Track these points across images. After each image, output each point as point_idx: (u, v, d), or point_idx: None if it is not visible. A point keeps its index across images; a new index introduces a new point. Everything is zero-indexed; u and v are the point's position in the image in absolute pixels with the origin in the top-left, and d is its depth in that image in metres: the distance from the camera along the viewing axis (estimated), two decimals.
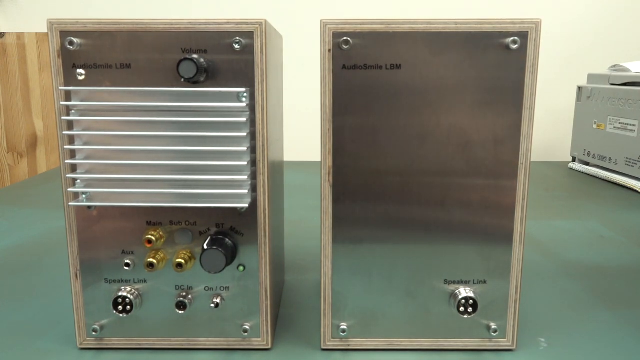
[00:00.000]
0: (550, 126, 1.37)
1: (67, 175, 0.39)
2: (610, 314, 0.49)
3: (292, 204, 0.79)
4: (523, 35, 0.37)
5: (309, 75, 1.28)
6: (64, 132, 0.38)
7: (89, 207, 0.40)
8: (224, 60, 0.37)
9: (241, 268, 0.41)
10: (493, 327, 0.42)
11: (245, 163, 0.38)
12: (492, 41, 0.37)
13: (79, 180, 0.39)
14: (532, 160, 0.39)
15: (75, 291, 0.42)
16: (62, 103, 0.38)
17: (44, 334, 0.45)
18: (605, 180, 1.04)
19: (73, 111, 0.38)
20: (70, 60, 0.38)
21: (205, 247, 0.39)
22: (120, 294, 0.41)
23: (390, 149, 0.39)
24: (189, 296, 0.41)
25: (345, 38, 0.37)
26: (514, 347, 0.43)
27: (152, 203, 0.39)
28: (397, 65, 0.38)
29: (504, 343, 0.42)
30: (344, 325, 0.42)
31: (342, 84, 0.38)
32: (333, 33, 0.37)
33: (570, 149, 1.19)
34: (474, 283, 0.41)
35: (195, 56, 0.37)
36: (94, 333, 0.42)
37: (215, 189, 0.39)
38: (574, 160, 1.18)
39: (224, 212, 0.40)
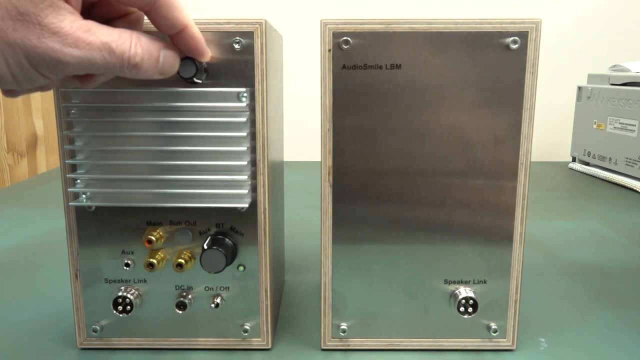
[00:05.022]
0: (550, 126, 1.37)
1: (67, 175, 0.39)
2: (610, 314, 0.49)
3: (292, 204, 0.79)
4: (523, 35, 0.37)
5: (309, 75, 1.28)
6: (64, 132, 0.38)
7: (89, 207, 0.40)
8: (224, 60, 0.37)
9: (241, 268, 0.41)
10: (493, 327, 0.42)
11: (245, 163, 0.38)
12: (492, 41, 0.37)
13: (79, 180, 0.39)
14: (532, 160, 0.39)
15: (75, 291, 0.42)
16: (62, 104, 0.38)
17: (44, 334, 0.45)
18: (605, 180, 1.04)
19: (73, 111, 0.38)
20: None
21: (205, 247, 0.39)
22: (120, 294, 0.41)
23: (390, 149, 0.39)
24: (189, 296, 0.41)
25: (345, 38, 0.37)
26: (514, 347, 0.42)
27: (152, 203, 0.39)
28: (397, 65, 0.38)
29: (504, 343, 0.42)
30: (344, 325, 0.42)
31: (342, 84, 0.38)
32: (333, 33, 0.37)
33: (570, 149, 1.19)
34: (474, 283, 0.41)
35: None
36: (94, 333, 0.42)
37: (215, 189, 0.39)
38: (574, 160, 1.18)
39: (224, 212, 0.40)
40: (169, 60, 0.34)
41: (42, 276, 0.58)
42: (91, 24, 0.30)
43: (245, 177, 0.38)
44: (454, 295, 0.41)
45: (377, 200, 0.40)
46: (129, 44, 0.31)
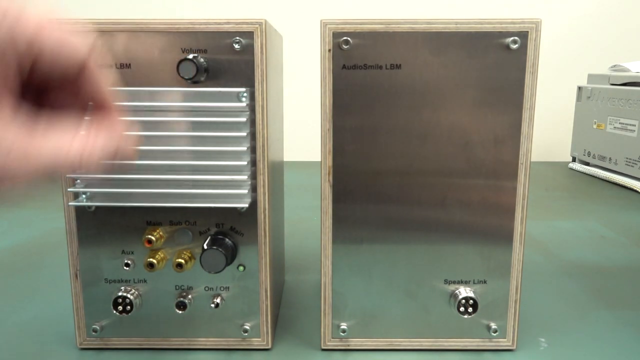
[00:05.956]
0: (550, 126, 1.37)
1: (67, 175, 0.39)
2: (610, 314, 0.49)
3: (292, 204, 0.79)
4: (523, 35, 0.37)
5: (309, 75, 1.28)
6: None
7: (89, 207, 0.40)
8: (224, 60, 0.37)
9: (241, 268, 0.41)
10: (493, 327, 0.42)
11: (245, 163, 0.38)
12: (492, 41, 0.37)
13: (79, 180, 0.39)
14: (532, 160, 0.39)
15: (75, 291, 0.42)
16: None
17: (44, 334, 0.45)
18: (605, 180, 1.04)
19: None
20: None
21: (205, 247, 0.39)
22: (120, 294, 0.41)
23: (390, 149, 0.39)
24: (189, 296, 0.41)
25: (345, 38, 0.37)
26: (514, 347, 0.42)
27: (152, 203, 0.39)
28: (397, 65, 0.38)
29: (504, 343, 0.42)
30: (344, 325, 0.42)
31: (342, 84, 0.38)
32: (333, 33, 0.37)
33: (570, 149, 1.19)
34: (474, 283, 0.41)
35: (194, 56, 0.37)
36: (94, 333, 0.42)
37: (215, 189, 0.39)
38: (574, 160, 1.18)
39: (224, 212, 0.40)
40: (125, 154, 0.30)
41: (42, 276, 0.58)
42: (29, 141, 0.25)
43: (245, 177, 0.38)
44: (454, 295, 0.41)
45: (377, 200, 0.40)
46: (71, 159, 0.27)
